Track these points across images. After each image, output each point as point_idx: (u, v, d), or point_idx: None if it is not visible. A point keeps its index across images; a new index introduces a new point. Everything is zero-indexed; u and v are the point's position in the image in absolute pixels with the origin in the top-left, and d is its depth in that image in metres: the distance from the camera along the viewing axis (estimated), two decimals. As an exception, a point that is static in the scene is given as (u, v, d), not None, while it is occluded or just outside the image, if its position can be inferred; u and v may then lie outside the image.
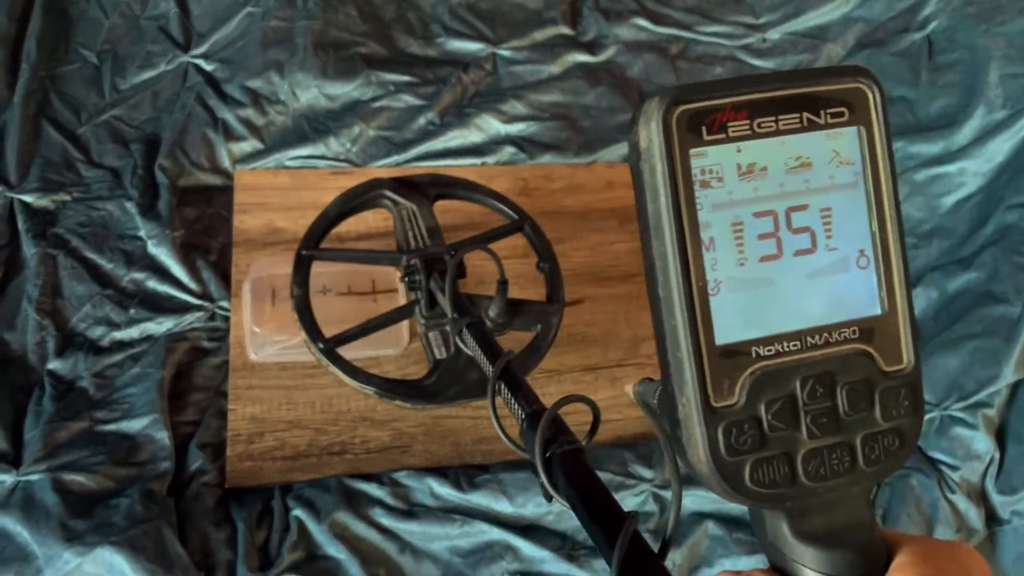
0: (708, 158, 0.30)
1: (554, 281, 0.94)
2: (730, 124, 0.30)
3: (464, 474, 0.88)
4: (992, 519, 0.92)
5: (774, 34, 1.34)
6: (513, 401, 0.63)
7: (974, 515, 0.91)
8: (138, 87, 1.15)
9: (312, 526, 0.83)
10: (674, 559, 0.86)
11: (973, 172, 1.05)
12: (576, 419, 0.57)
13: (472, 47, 1.25)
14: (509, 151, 1.16)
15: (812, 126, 0.31)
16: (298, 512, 0.84)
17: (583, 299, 1.06)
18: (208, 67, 1.17)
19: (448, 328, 0.85)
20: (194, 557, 0.79)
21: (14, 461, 0.83)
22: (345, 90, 1.16)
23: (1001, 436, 0.93)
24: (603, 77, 1.26)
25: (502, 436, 0.60)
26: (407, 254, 0.89)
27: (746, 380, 0.30)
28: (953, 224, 1.07)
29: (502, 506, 0.86)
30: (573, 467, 0.53)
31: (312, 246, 0.90)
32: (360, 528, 0.84)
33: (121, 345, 0.94)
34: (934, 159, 1.09)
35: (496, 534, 0.85)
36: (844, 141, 0.31)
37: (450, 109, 1.18)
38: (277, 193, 1.09)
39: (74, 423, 0.86)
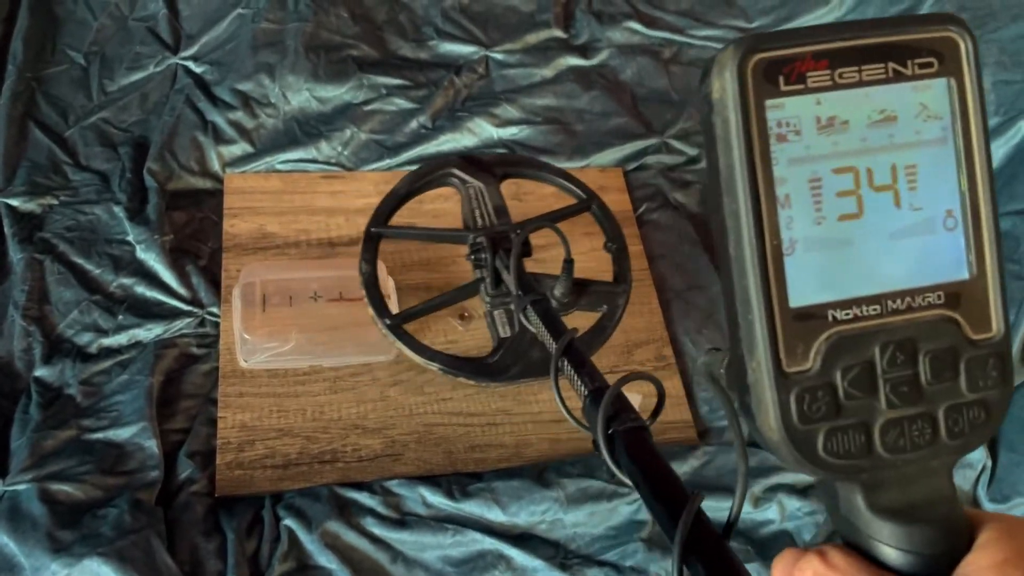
0: (785, 110, 0.28)
1: (621, 262, 0.94)
2: (809, 74, 0.28)
3: (457, 483, 0.88)
4: (984, 526, 0.92)
5: (767, 38, 1.34)
6: (576, 378, 0.63)
7: (966, 523, 0.91)
8: (126, 89, 1.14)
9: (303, 535, 0.82)
10: (667, 568, 0.86)
11: (966, 179, 1.06)
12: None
13: (464, 50, 1.24)
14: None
15: (898, 77, 0.29)
16: (289, 521, 0.83)
17: (576, 305, 1.05)
18: (198, 69, 1.16)
19: (512, 307, 0.86)
20: (183, 568, 0.78)
21: (0, 471, 0.82)
22: (336, 93, 1.15)
23: (993, 444, 0.93)
24: (596, 81, 1.25)
25: (564, 412, 0.60)
26: (473, 232, 0.90)
27: (821, 345, 0.29)
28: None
29: (495, 515, 0.86)
30: (636, 445, 0.54)
31: (381, 223, 0.91)
32: (352, 537, 0.83)
33: (109, 352, 0.93)
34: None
35: (489, 543, 0.84)
36: (932, 94, 0.29)
37: (442, 112, 1.18)
38: (268, 197, 1.08)
39: (61, 431, 0.85)
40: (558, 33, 1.29)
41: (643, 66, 1.28)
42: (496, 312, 0.89)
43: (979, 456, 0.92)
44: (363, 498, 0.85)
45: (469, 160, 0.97)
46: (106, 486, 0.82)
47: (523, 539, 0.86)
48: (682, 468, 0.90)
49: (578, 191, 0.99)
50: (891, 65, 0.29)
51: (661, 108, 1.25)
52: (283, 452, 0.89)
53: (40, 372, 0.90)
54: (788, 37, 0.28)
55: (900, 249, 0.29)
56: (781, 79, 0.28)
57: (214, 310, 0.97)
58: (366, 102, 1.16)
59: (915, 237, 0.29)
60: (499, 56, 1.25)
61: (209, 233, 1.04)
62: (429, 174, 0.96)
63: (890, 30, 0.29)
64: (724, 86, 0.28)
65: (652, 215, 1.14)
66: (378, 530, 0.83)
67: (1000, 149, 1.04)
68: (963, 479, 0.92)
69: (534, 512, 0.86)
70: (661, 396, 0.56)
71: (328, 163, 1.12)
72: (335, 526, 0.83)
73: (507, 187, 0.99)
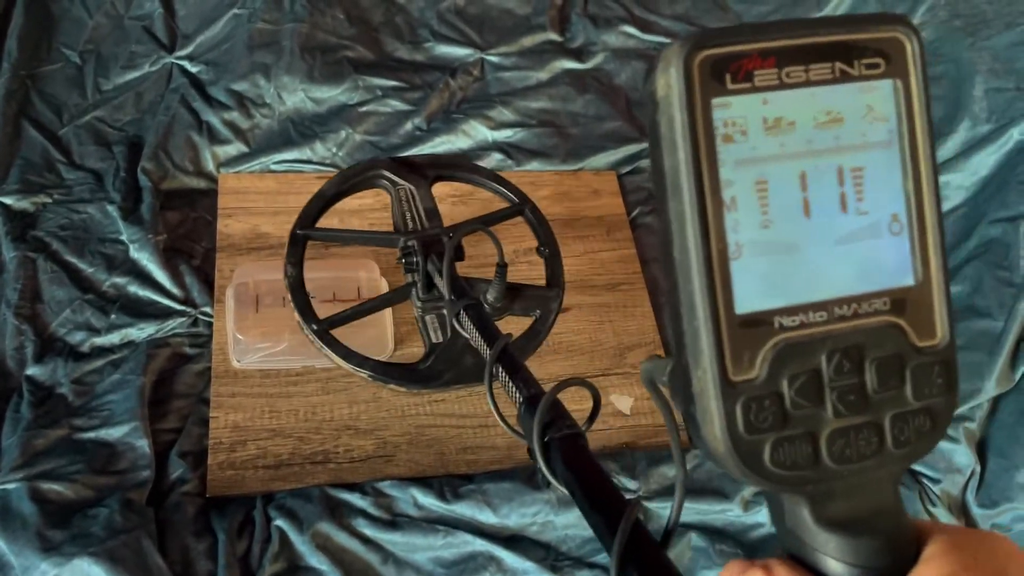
0: (732, 109, 0.27)
1: (554, 266, 0.93)
2: (756, 72, 0.27)
3: (448, 484, 0.88)
4: (972, 531, 0.93)
5: (762, 43, 1.34)
6: (511, 384, 0.62)
7: (955, 527, 0.91)
8: (121, 88, 1.14)
9: (294, 536, 0.82)
10: (657, 570, 0.86)
11: (957, 186, 1.06)
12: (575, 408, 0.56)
13: (460, 52, 1.25)
14: (496, 157, 1.15)
15: (845, 77, 0.28)
16: (280, 522, 0.83)
17: (569, 307, 1.05)
18: (193, 69, 1.16)
19: (445, 311, 0.84)
20: (174, 568, 0.78)
21: (-9, 469, 0.82)
22: (332, 94, 1.16)
23: (982, 450, 0.93)
24: (591, 84, 1.25)
25: (500, 420, 0.59)
26: (404, 235, 0.88)
27: (768, 352, 0.28)
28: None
29: (486, 516, 0.86)
30: (573, 452, 0.52)
31: (308, 225, 0.89)
32: (343, 538, 0.83)
33: (101, 351, 0.93)
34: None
35: (480, 545, 0.84)
36: (879, 95, 0.29)
37: (437, 115, 1.18)
38: (262, 197, 1.08)
39: (52, 430, 0.85)
40: (553, 36, 1.29)
41: (638, 70, 1.29)
42: (428, 317, 0.88)
43: (968, 462, 0.92)
44: (354, 499, 0.85)
45: (399, 162, 0.95)
46: (97, 485, 0.82)
47: (514, 541, 0.86)
48: (672, 471, 0.90)
49: (511, 195, 0.97)
50: (838, 65, 0.28)
51: (655, 112, 1.25)
52: (275, 452, 0.89)
53: (32, 371, 0.90)
54: (736, 33, 0.27)
55: (846, 254, 0.29)
56: (728, 77, 0.27)
57: (207, 310, 0.97)
58: (361, 103, 1.16)
59: (861, 242, 0.29)
60: (494, 59, 1.25)
61: (203, 233, 1.04)
62: (358, 175, 0.94)
63: (838, 29, 0.28)
64: (670, 83, 0.27)
65: (645, 219, 1.15)
66: (369, 531, 0.84)
67: (991, 156, 1.04)
68: (952, 484, 0.92)
69: (525, 514, 0.86)
70: (597, 402, 0.55)
71: (323, 164, 1.12)
72: (326, 527, 0.83)
73: (450, 190, 0.97)
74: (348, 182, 0.94)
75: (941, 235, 0.29)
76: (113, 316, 0.95)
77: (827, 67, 0.28)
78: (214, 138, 1.10)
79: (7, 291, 0.94)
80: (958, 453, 0.93)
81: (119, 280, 0.97)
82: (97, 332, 0.93)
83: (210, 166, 1.09)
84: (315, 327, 0.83)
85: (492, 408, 0.60)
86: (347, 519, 0.84)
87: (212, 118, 1.11)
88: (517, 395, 0.61)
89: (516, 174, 1.14)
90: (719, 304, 0.28)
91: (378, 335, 0.95)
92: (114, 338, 0.94)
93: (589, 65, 1.28)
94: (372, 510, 0.85)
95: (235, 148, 1.10)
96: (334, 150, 1.13)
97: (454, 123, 1.16)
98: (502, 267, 0.83)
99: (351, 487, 0.86)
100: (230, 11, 1.20)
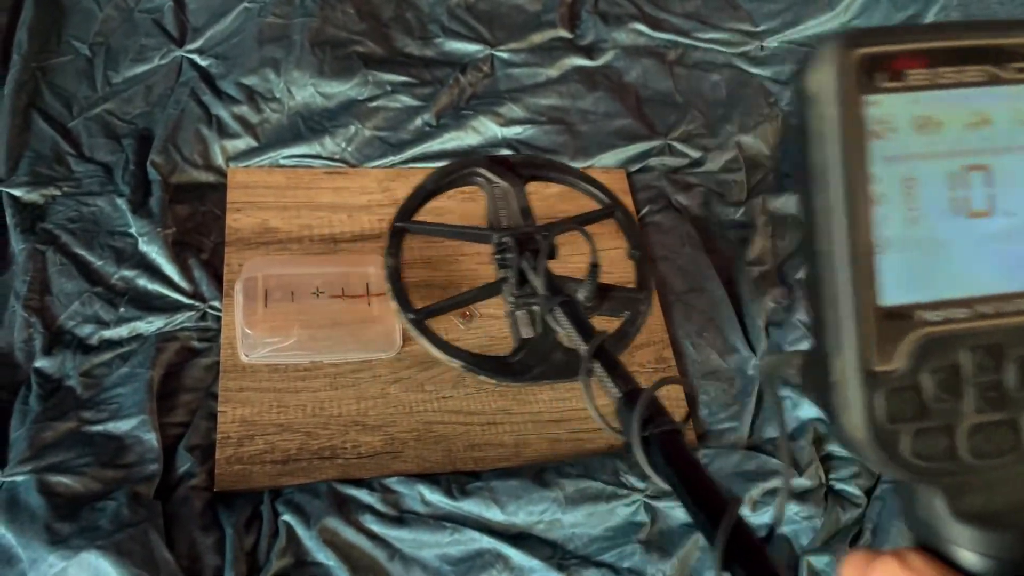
0: (882, 107, 0.28)
1: (644, 269, 0.95)
2: (909, 72, 0.28)
3: (455, 481, 0.88)
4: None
5: (772, 42, 1.34)
6: (608, 380, 0.63)
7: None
8: (131, 81, 1.14)
9: (301, 532, 0.82)
10: (664, 570, 0.86)
11: None
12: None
13: (470, 48, 1.24)
14: (505, 154, 1.15)
15: (996, 80, 0.29)
16: (287, 517, 0.83)
17: (577, 305, 1.05)
18: (203, 62, 1.16)
19: (536, 308, 0.87)
20: (181, 562, 0.78)
21: (-1, 461, 0.82)
22: (341, 89, 1.15)
23: None
24: (600, 81, 1.25)
25: (596, 416, 0.60)
26: (499, 232, 0.91)
27: (909, 345, 0.29)
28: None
29: (493, 514, 0.86)
30: (672, 448, 0.55)
31: (406, 219, 0.92)
32: (350, 534, 0.83)
33: (110, 344, 0.93)
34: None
35: (487, 542, 0.84)
36: None
37: (447, 110, 1.18)
38: (271, 192, 1.08)
39: (61, 423, 0.85)
40: (563, 33, 1.29)
41: (648, 68, 1.28)
42: (519, 312, 0.89)
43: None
44: (362, 495, 0.85)
45: (496, 161, 0.98)
46: (105, 479, 0.82)
47: (521, 539, 0.86)
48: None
49: (603, 196, 0.99)
50: (990, 68, 0.29)
51: (665, 110, 1.25)
52: (283, 447, 0.89)
53: (40, 363, 0.90)
54: (890, 33, 0.28)
55: (992, 253, 0.29)
56: (880, 75, 0.28)
57: (216, 304, 0.97)
58: (371, 99, 1.16)
59: (1006, 242, 0.29)
60: (504, 55, 1.25)
61: (211, 227, 1.04)
62: (455, 172, 0.97)
63: (991, 33, 0.29)
64: (823, 80, 0.28)
65: (654, 217, 1.14)
66: (376, 527, 0.83)
67: None
68: None
69: (532, 512, 0.86)
70: (692, 400, 0.57)
71: (332, 159, 1.12)
72: (333, 522, 0.83)
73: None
74: (445, 178, 0.96)
75: None
76: (122, 309, 0.95)
77: (979, 70, 0.29)
78: (223, 132, 1.10)
79: (16, 283, 0.94)
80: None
81: (128, 273, 0.97)
82: (106, 325, 0.93)
83: (219, 160, 1.09)
84: (412, 316, 0.86)
85: (588, 403, 0.61)
86: (354, 515, 0.84)
87: (222, 112, 1.11)
88: (614, 391, 0.62)
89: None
90: (863, 296, 0.28)
91: (386, 331, 0.95)
92: (123, 331, 0.94)
93: (599, 62, 1.28)
94: (379, 506, 0.85)
95: (244, 142, 1.10)
96: (343, 145, 1.12)
97: (464, 119, 1.16)
98: (595, 266, 0.85)
99: (358, 483, 0.86)
100: (240, 5, 1.20)
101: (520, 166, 0.98)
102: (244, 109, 1.12)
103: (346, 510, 0.84)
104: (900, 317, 0.29)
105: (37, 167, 1.03)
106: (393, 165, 1.13)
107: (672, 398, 0.97)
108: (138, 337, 0.94)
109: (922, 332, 0.29)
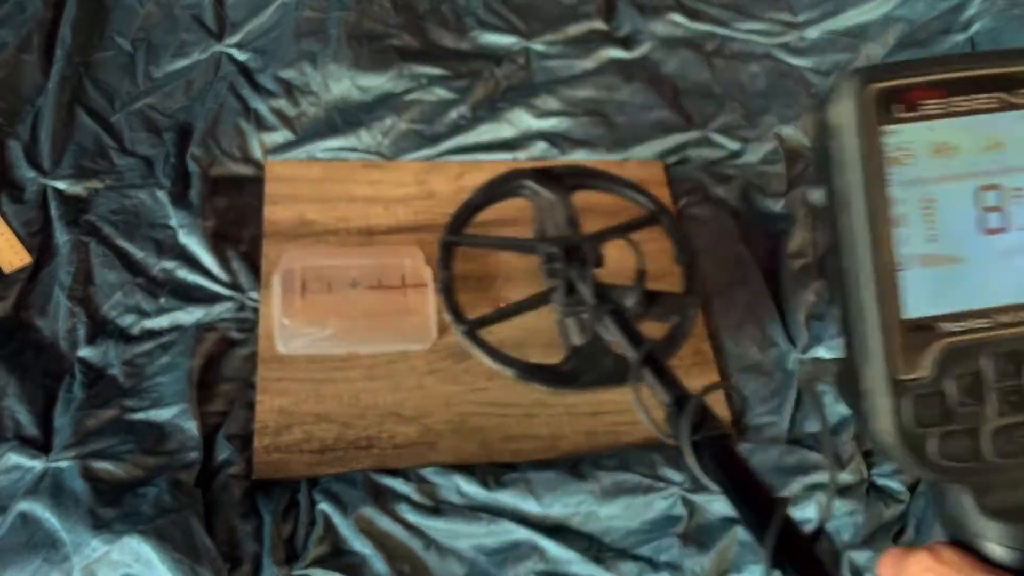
0: (900, 136, 0.31)
1: (692, 274, 0.95)
2: (923, 103, 0.31)
3: (491, 472, 0.88)
4: None
5: (812, 32, 1.32)
6: (658, 386, 0.65)
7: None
8: (171, 76, 1.15)
9: (338, 520, 0.83)
10: (702, 564, 0.85)
11: None
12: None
13: (505, 41, 1.24)
14: (541, 147, 1.15)
15: (1008, 106, 0.31)
16: (324, 506, 0.83)
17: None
18: (241, 57, 1.17)
19: (585, 315, 0.87)
20: (221, 548, 0.79)
21: (44, 447, 0.84)
22: (378, 82, 1.16)
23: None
24: (637, 73, 1.24)
25: (646, 420, 0.63)
26: (547, 242, 0.91)
27: (933, 355, 0.31)
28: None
29: (529, 506, 0.85)
30: (723, 452, 0.57)
31: (455, 232, 0.93)
32: (386, 523, 0.83)
33: (151, 334, 0.94)
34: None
35: (523, 534, 0.84)
36: None
37: (482, 103, 1.17)
38: (308, 184, 1.08)
39: (104, 411, 0.86)
40: (599, 25, 1.28)
41: (685, 59, 1.27)
42: (568, 320, 0.90)
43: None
44: (398, 485, 0.85)
45: (542, 172, 0.98)
46: (146, 466, 0.83)
47: (557, 531, 0.85)
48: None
49: (649, 203, 0.99)
50: (1001, 95, 0.31)
51: (703, 102, 1.23)
52: (320, 437, 0.89)
53: (84, 352, 0.91)
54: (905, 68, 0.31)
55: (1008, 267, 0.32)
56: (897, 107, 0.30)
57: (254, 295, 0.98)
58: (407, 92, 1.16)
59: (1022, 256, 0.32)
60: (540, 47, 1.24)
61: (250, 219, 1.05)
62: (502, 185, 0.97)
63: (1001, 62, 0.31)
64: (843, 113, 0.30)
65: (692, 209, 1.13)
66: (412, 517, 0.84)
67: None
68: None
69: (568, 504, 0.86)
70: (736, 405, 0.58)
71: (368, 152, 1.12)
72: (370, 512, 0.83)
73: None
74: (493, 191, 0.97)
75: None
76: (162, 300, 0.96)
77: (991, 97, 0.31)
78: (261, 125, 1.11)
79: (60, 274, 0.96)
80: None
81: (168, 264, 0.98)
82: (147, 315, 0.95)
83: (257, 153, 1.10)
84: (464, 328, 0.86)
85: (637, 408, 0.63)
86: (390, 504, 0.84)
87: (259, 105, 1.12)
88: (665, 396, 0.63)
89: (561, 163, 1.13)
90: (888, 310, 0.31)
91: (422, 322, 0.95)
92: (163, 321, 0.95)
93: (636, 54, 1.26)
94: (415, 496, 0.85)
95: (281, 135, 1.11)
96: (379, 138, 1.13)
97: (499, 112, 1.16)
98: (642, 273, 0.85)
99: (394, 473, 0.87)
100: (277, 0, 1.21)
101: (564, 176, 0.99)
102: (282, 103, 1.12)
103: (382, 500, 0.84)
104: (924, 329, 0.31)
105: (81, 161, 1.05)
106: (429, 158, 1.13)
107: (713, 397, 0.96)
108: (178, 327, 0.95)
109: (945, 342, 0.31)
